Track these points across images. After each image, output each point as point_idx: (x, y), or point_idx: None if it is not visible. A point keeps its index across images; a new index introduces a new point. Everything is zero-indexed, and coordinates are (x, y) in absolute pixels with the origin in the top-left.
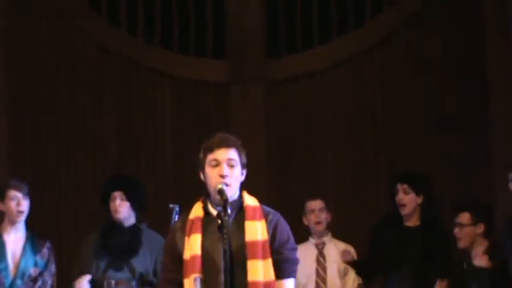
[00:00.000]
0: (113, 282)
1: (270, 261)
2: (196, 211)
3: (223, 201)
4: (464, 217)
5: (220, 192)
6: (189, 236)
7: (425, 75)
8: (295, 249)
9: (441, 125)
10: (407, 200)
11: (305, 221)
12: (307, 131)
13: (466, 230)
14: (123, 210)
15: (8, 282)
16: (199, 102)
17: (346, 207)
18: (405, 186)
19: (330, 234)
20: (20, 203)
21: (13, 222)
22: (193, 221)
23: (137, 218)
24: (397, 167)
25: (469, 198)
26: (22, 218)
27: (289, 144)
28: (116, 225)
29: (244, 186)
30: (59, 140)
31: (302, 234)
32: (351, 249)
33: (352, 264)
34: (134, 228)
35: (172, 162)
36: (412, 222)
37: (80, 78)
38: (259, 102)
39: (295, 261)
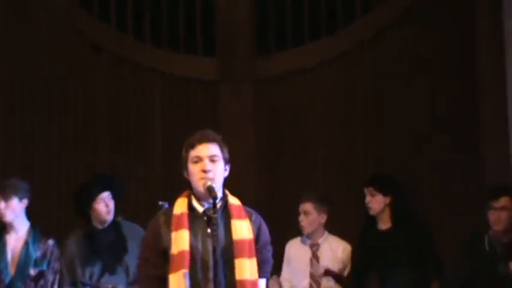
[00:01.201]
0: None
1: (255, 260)
2: (181, 207)
3: (213, 199)
4: (506, 201)
5: (210, 189)
6: (175, 231)
7: (416, 73)
8: (271, 250)
9: (432, 124)
10: (374, 201)
11: None
12: (297, 129)
13: (507, 213)
14: (112, 210)
15: (7, 280)
16: (189, 99)
17: (337, 207)
18: (371, 188)
19: (326, 233)
20: None
21: (7, 223)
22: (179, 217)
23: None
24: (388, 165)
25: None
26: (5, 220)
27: (279, 142)
28: (97, 228)
29: (233, 183)
30: (50, 138)
31: (296, 228)
32: (347, 247)
33: (334, 277)
34: (116, 225)
35: (162, 159)
36: (385, 224)
37: (70, 76)
38: (248, 99)
39: (271, 263)
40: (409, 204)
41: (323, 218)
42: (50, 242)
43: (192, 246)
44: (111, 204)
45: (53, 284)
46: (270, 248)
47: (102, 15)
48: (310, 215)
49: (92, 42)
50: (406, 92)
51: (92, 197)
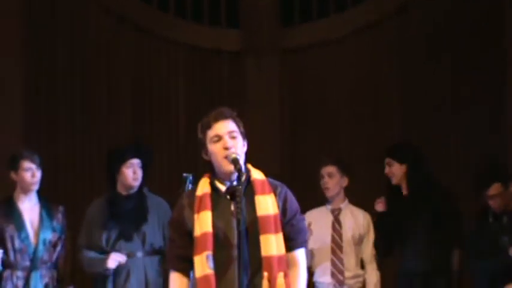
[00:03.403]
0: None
1: (281, 235)
2: (203, 187)
3: (238, 171)
4: (496, 188)
5: (235, 161)
6: (198, 213)
7: (442, 45)
8: (304, 219)
9: (457, 96)
10: (392, 171)
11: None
12: (322, 101)
13: (503, 197)
14: (140, 178)
15: (31, 250)
16: (213, 71)
17: (360, 179)
18: (388, 159)
19: (347, 200)
20: (34, 174)
21: (26, 192)
22: (201, 198)
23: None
24: (413, 138)
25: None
26: (36, 188)
27: (303, 113)
28: (121, 194)
29: (257, 154)
30: (73, 110)
31: (319, 200)
32: (367, 214)
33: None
34: (140, 194)
35: (186, 131)
36: (406, 191)
37: (94, 48)
38: (273, 71)
39: (306, 231)
40: (423, 171)
41: (345, 182)
42: (61, 208)
43: (215, 227)
44: (139, 172)
45: (63, 246)
46: (300, 217)
47: None
48: (334, 177)
49: (116, 14)
50: (432, 63)
51: (123, 159)
